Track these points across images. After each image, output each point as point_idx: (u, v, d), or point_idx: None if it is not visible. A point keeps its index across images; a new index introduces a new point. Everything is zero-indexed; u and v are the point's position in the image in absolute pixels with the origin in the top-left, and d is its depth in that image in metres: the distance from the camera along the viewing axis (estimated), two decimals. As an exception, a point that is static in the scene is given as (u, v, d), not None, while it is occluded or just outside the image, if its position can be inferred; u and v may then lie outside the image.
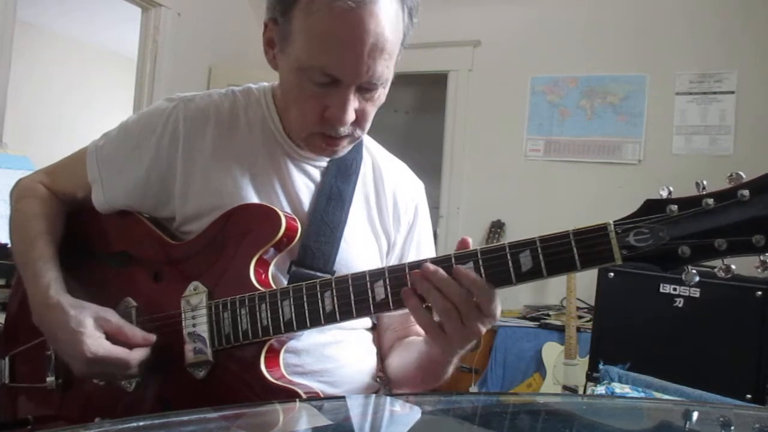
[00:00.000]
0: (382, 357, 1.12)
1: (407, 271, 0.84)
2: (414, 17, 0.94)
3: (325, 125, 0.94)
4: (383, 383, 1.11)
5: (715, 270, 0.74)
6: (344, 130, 0.95)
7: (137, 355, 0.94)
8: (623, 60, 3.69)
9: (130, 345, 0.94)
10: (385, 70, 0.90)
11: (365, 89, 0.92)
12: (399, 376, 1.08)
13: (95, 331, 0.93)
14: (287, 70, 0.94)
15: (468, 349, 0.89)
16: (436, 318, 0.83)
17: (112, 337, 0.94)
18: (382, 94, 0.96)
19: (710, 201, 0.71)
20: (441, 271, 0.81)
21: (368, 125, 0.99)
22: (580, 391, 2.72)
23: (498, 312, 0.83)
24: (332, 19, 0.85)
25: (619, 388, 1.72)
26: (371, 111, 0.97)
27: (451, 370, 0.98)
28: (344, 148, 1.02)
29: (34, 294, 0.99)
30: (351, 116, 0.92)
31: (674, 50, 3.58)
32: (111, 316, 0.96)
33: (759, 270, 0.71)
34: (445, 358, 0.93)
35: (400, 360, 1.08)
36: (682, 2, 3.59)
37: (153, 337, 0.97)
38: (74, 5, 4.99)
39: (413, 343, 1.08)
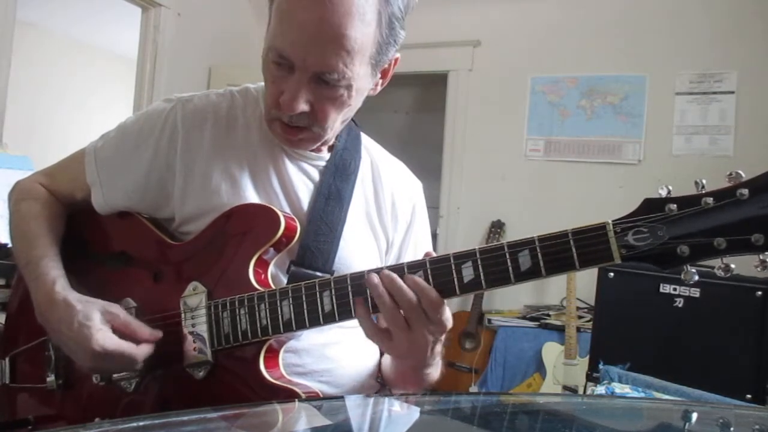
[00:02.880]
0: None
1: (405, 271, 0.84)
2: (399, 29, 0.94)
3: (280, 111, 0.94)
4: (383, 383, 1.11)
5: (715, 269, 0.74)
6: (297, 119, 0.95)
7: (144, 350, 0.94)
8: (623, 60, 3.69)
9: (136, 340, 0.94)
10: (341, 66, 0.89)
11: (323, 82, 0.91)
12: (389, 377, 1.08)
13: (103, 325, 0.93)
14: (262, 51, 0.95)
15: (434, 369, 0.90)
16: (383, 325, 0.85)
17: (119, 331, 0.94)
18: (345, 96, 0.94)
19: (709, 200, 0.71)
20: (396, 278, 0.82)
21: (330, 125, 0.97)
22: (580, 391, 2.72)
23: (447, 321, 0.84)
24: (293, 3, 0.88)
25: (619, 388, 1.72)
26: (330, 110, 0.95)
27: (429, 377, 0.96)
28: (303, 143, 1.01)
29: (38, 292, 0.99)
30: (300, 105, 0.92)
31: (674, 50, 3.58)
32: (118, 311, 0.96)
33: (758, 269, 0.71)
34: (410, 371, 0.94)
35: (389, 361, 1.08)
36: (682, 3, 3.59)
37: (159, 333, 0.96)
38: (74, 5, 5.00)
39: None
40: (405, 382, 1.02)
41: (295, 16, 0.88)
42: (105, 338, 0.91)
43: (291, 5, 0.88)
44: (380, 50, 0.93)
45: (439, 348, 0.90)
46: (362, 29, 0.88)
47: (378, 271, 0.85)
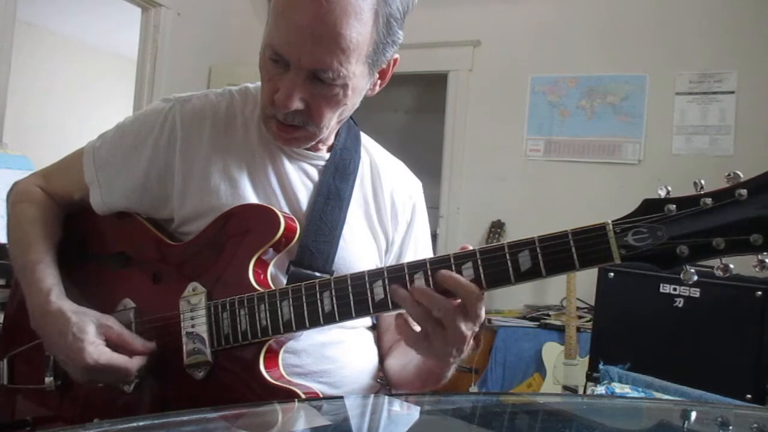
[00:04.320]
0: (381, 358, 1.12)
1: (406, 271, 0.84)
2: (397, 28, 0.94)
3: (275, 108, 0.94)
4: (384, 384, 1.10)
5: (714, 269, 0.74)
6: (292, 118, 0.95)
7: (136, 363, 0.94)
8: (623, 60, 3.69)
9: (130, 353, 0.95)
10: (336, 64, 0.89)
11: (319, 80, 0.91)
12: (399, 378, 1.08)
13: (96, 338, 0.93)
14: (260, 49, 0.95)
15: (466, 354, 0.89)
16: (417, 328, 0.84)
17: (113, 344, 0.94)
18: (341, 95, 0.94)
19: (708, 200, 0.71)
20: (426, 289, 0.81)
21: (325, 123, 0.97)
22: (580, 391, 2.72)
23: (483, 313, 0.83)
24: (289, 1, 0.88)
25: (619, 388, 1.72)
26: (325, 108, 0.95)
27: (450, 374, 0.97)
28: (298, 141, 1.00)
29: (33, 299, 0.99)
30: (294, 103, 0.92)
31: (674, 50, 3.58)
32: (112, 323, 0.96)
33: (756, 269, 0.71)
34: (440, 365, 0.93)
35: (400, 362, 1.08)
36: (682, 3, 3.59)
37: (153, 345, 0.97)
38: (74, 5, 5.00)
39: None
40: (428, 377, 1.00)
41: (290, 14, 0.88)
42: (98, 352, 0.92)
43: (287, 3, 0.88)
44: (377, 50, 0.93)
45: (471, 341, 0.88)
46: (358, 28, 0.88)
47: (383, 284, 0.84)
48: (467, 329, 0.83)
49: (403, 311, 0.84)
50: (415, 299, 0.82)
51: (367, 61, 0.93)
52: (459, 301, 0.81)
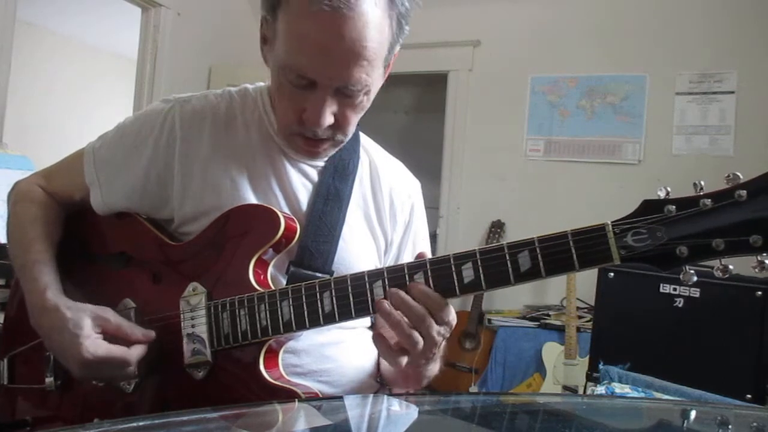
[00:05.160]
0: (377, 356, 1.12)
1: (406, 271, 0.84)
2: (405, 25, 0.94)
3: (303, 126, 0.94)
4: (382, 383, 1.11)
5: (713, 270, 0.74)
6: (322, 132, 0.95)
7: (136, 352, 0.94)
8: (623, 60, 3.69)
9: (129, 343, 0.94)
10: (364, 76, 0.89)
11: (344, 94, 0.91)
12: (390, 376, 1.08)
13: (93, 331, 0.93)
14: (272, 68, 0.95)
15: (437, 357, 0.90)
16: (394, 340, 0.85)
17: (111, 336, 0.94)
18: (364, 101, 0.95)
19: (708, 201, 0.72)
20: (404, 296, 0.83)
21: (351, 130, 0.99)
22: (580, 391, 2.72)
23: (454, 320, 0.85)
24: (308, 22, 0.86)
25: (619, 388, 1.72)
26: (352, 116, 0.96)
27: (430, 374, 0.98)
28: (326, 151, 1.02)
29: (31, 297, 0.99)
30: (327, 119, 0.92)
31: (674, 50, 3.58)
32: (109, 315, 0.96)
33: (756, 270, 0.71)
34: (414, 369, 0.94)
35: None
36: (682, 3, 3.59)
37: (152, 334, 0.96)
38: (74, 5, 5.00)
39: None
40: (407, 380, 1.02)
41: (313, 35, 0.86)
42: (95, 345, 0.91)
43: (307, 24, 0.86)
44: (390, 50, 0.94)
45: (443, 344, 0.90)
46: (378, 37, 0.88)
47: (383, 284, 0.85)
48: (439, 336, 0.84)
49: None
50: (393, 305, 0.83)
51: (384, 64, 0.95)
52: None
